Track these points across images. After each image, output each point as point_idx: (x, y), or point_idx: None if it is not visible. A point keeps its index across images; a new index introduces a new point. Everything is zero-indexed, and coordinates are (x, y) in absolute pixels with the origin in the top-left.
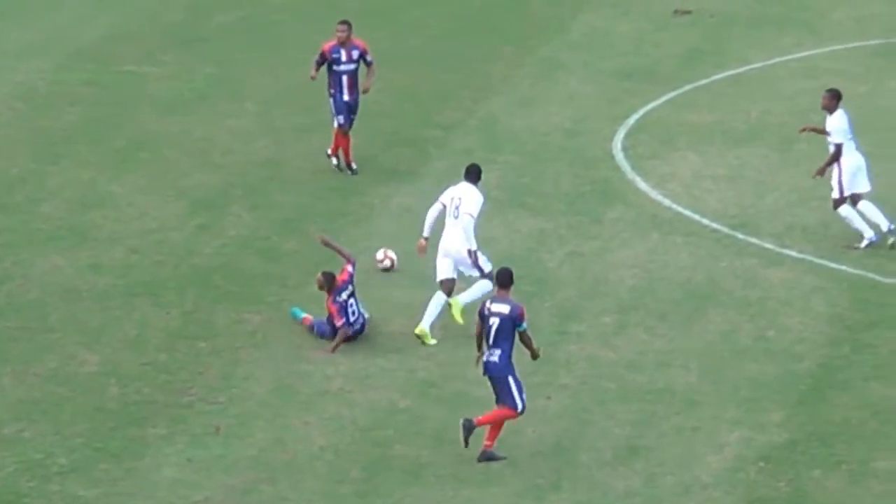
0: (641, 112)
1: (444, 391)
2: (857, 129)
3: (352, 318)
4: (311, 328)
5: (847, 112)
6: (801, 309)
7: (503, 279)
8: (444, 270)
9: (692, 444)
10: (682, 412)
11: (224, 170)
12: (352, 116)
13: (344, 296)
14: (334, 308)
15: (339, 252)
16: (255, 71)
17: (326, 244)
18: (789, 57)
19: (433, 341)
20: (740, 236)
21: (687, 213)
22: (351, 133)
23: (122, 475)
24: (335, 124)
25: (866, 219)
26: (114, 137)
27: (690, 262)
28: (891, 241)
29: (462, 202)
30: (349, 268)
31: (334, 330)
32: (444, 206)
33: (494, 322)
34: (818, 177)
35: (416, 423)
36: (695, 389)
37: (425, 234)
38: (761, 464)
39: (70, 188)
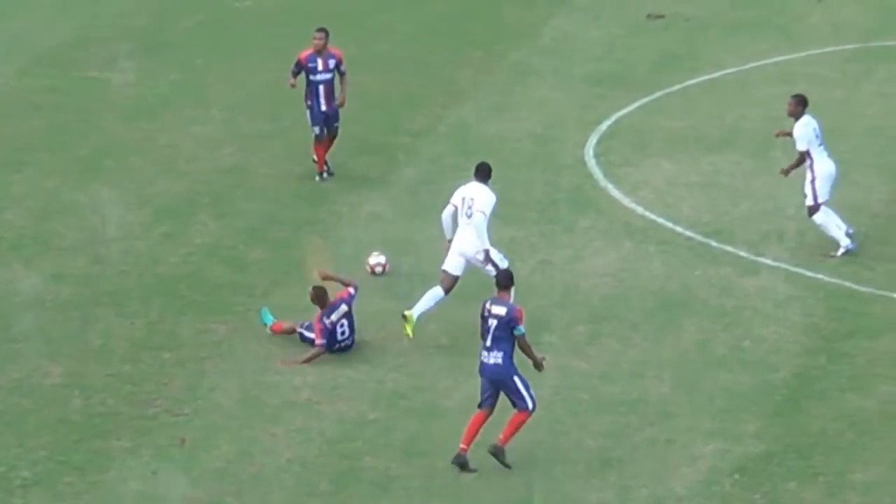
0: (614, 118)
1: (414, 402)
2: (834, 135)
3: (340, 337)
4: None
5: (815, 118)
6: (776, 318)
7: (503, 280)
8: (451, 265)
9: (666, 455)
10: (655, 423)
11: (189, 177)
12: (335, 125)
13: (334, 317)
14: (318, 327)
15: (341, 281)
16: (220, 77)
17: (327, 279)
18: (765, 62)
19: (410, 334)
20: (714, 244)
21: (660, 220)
22: (328, 140)
23: (85, 488)
24: (312, 134)
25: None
26: (77, 145)
27: (664, 270)
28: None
29: (475, 201)
30: (350, 289)
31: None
32: (456, 208)
33: (492, 323)
34: (783, 176)
35: (385, 435)
36: (669, 400)
37: (448, 237)
38: (736, 476)
39: (33, 196)
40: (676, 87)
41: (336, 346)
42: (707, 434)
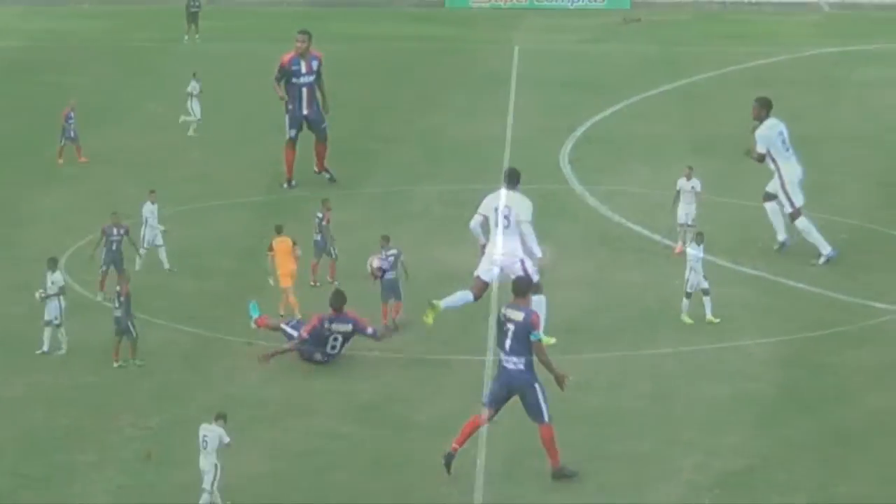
0: (589, 123)
1: (386, 415)
2: (814, 142)
3: (329, 349)
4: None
5: (782, 122)
6: (756, 328)
7: (522, 287)
8: (483, 270)
9: (644, 469)
10: (633, 436)
11: (155, 185)
12: (323, 125)
13: (335, 326)
14: (315, 322)
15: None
16: (188, 83)
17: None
18: (743, 66)
19: (430, 321)
20: (693, 252)
21: (637, 228)
22: (299, 147)
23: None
24: (287, 137)
25: (771, 220)
26: (42, 152)
27: (642, 279)
28: (776, 247)
29: (512, 211)
30: (369, 329)
31: (308, 347)
32: (485, 217)
33: (510, 328)
34: (746, 154)
35: (355, 448)
36: (647, 412)
37: (482, 243)
38: (717, 490)
39: None
40: (653, 91)
41: (318, 355)
42: (686, 447)
